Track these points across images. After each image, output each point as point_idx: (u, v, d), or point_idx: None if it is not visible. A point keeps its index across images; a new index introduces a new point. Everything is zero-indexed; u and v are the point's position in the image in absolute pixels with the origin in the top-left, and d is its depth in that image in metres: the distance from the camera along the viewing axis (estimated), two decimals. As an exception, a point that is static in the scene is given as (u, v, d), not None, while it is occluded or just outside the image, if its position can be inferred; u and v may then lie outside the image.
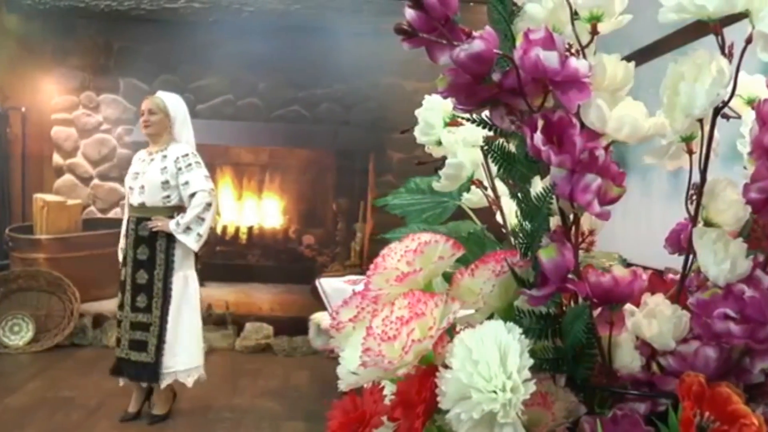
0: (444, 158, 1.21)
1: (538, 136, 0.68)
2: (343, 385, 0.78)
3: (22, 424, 4.09)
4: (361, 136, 6.43)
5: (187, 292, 4.22)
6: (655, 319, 0.76)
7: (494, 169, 1.05)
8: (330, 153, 6.85)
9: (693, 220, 0.79)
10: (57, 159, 6.41)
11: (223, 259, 6.79)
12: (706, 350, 0.74)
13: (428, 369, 0.71)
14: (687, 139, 0.77)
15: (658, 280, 0.89)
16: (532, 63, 0.66)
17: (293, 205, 7.07)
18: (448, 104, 1.03)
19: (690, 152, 0.78)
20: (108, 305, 5.83)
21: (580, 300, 0.79)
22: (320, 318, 5.00)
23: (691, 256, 0.83)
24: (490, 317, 0.84)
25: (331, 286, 4.15)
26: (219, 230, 6.53)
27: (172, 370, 4.17)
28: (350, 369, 0.77)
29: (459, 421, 0.66)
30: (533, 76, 0.68)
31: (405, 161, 6.42)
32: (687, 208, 0.79)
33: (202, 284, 6.38)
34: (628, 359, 0.77)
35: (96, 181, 6.45)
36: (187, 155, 4.11)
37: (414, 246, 0.78)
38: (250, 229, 7.12)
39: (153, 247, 4.10)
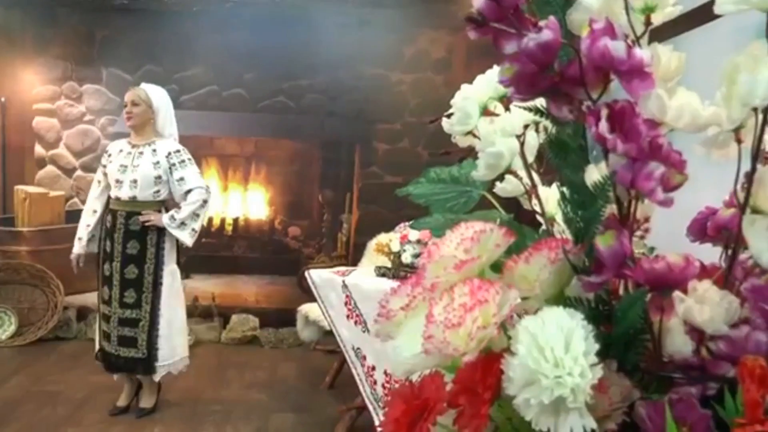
0: (470, 148, 1.21)
1: (604, 125, 0.68)
2: (398, 373, 0.78)
3: (8, 419, 4.04)
4: (347, 127, 6.42)
5: (175, 285, 4.19)
6: (707, 305, 0.78)
7: (529, 157, 1.06)
8: (315, 144, 6.84)
9: (742, 207, 0.80)
10: (39, 150, 6.33)
11: (209, 250, 6.75)
12: (758, 334, 0.76)
13: (491, 356, 0.72)
14: (737, 129, 0.78)
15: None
16: (599, 52, 0.67)
17: (279, 197, 7.05)
18: (484, 93, 1.04)
19: (739, 141, 0.79)
20: (93, 298, 5.74)
21: (631, 286, 0.80)
22: (308, 309, 4.99)
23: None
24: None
25: (321, 276, 4.14)
26: (205, 222, 6.49)
27: (167, 362, 4.15)
28: (406, 356, 0.77)
29: (528, 406, 0.67)
30: (598, 66, 0.69)
31: (390, 152, 6.42)
32: (736, 196, 0.81)
33: (188, 276, 6.37)
34: (680, 344, 0.79)
35: (79, 172, 6.38)
36: (179, 151, 4.07)
37: (470, 234, 0.78)
38: (236, 220, 7.09)
39: (144, 241, 4.05)
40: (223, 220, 7.11)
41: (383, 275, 3.85)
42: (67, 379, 4.71)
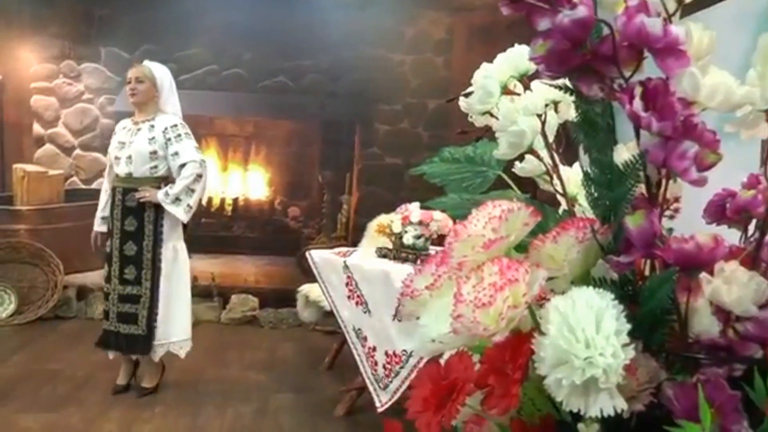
0: (487, 128, 1.20)
1: (638, 103, 0.68)
2: (423, 353, 0.78)
3: (9, 397, 4.03)
4: (347, 108, 6.39)
5: (177, 263, 4.16)
6: (734, 285, 0.77)
7: (550, 137, 1.06)
8: (316, 124, 6.81)
9: (773, 188, 0.80)
10: (37, 128, 6.29)
11: (209, 230, 6.74)
12: (786, 316, 0.76)
13: (520, 336, 0.71)
14: (768, 108, 0.77)
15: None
16: (635, 29, 0.66)
17: (279, 177, 7.04)
18: (505, 72, 1.03)
19: (770, 121, 0.79)
20: (92, 277, 5.75)
21: (658, 266, 0.80)
22: (308, 290, 4.99)
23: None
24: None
25: (322, 257, 4.13)
26: (204, 202, 6.47)
27: (165, 341, 4.13)
28: (432, 336, 0.77)
29: (559, 386, 0.67)
30: (634, 43, 0.68)
31: (391, 133, 6.40)
32: (766, 176, 0.80)
33: (188, 256, 6.36)
34: (707, 324, 0.78)
35: (78, 151, 6.35)
36: (176, 126, 4.03)
37: (498, 213, 0.78)
38: (236, 200, 7.08)
39: (141, 218, 4.02)
40: (222, 200, 7.09)
41: (384, 256, 3.85)
42: (67, 358, 4.70)
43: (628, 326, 0.68)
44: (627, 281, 0.82)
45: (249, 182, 7.10)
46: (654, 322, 0.79)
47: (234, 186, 7.09)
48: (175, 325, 4.17)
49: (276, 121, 6.81)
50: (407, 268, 3.57)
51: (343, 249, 4.37)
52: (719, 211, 1.00)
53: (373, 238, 4.83)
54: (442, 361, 0.80)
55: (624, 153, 0.77)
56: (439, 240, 3.86)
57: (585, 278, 0.82)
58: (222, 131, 6.91)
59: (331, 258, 4.03)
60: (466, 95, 1.16)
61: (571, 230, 0.79)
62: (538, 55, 0.71)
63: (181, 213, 4.01)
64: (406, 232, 3.77)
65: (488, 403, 0.71)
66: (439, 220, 3.79)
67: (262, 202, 7.12)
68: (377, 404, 3.49)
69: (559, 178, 1.00)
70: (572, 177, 1.00)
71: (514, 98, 1.00)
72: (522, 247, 0.86)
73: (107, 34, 6.23)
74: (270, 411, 4.04)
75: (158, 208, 4.03)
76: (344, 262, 3.84)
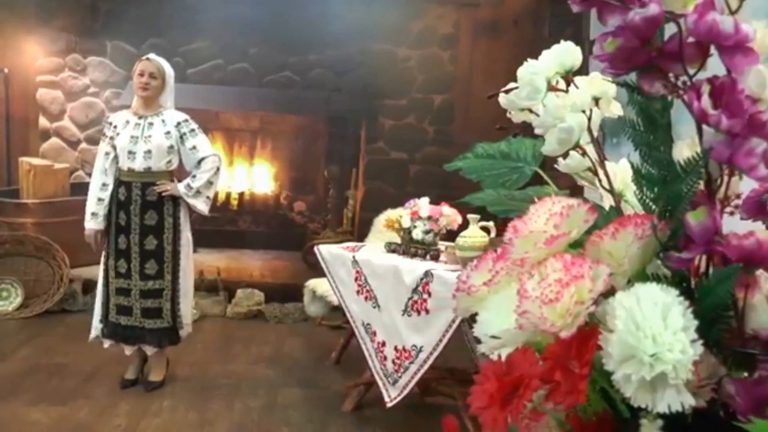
0: (525, 124, 1.21)
1: (707, 101, 0.68)
2: (485, 348, 0.78)
3: (18, 390, 4.04)
4: (353, 103, 6.39)
5: (190, 253, 4.25)
6: (794, 283, 0.78)
7: (594, 132, 1.06)
8: (321, 119, 6.80)
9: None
10: (43, 122, 6.27)
11: (214, 225, 6.73)
12: None
13: (584, 332, 0.72)
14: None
15: None
16: (707, 26, 0.66)
17: (284, 172, 7.03)
18: (550, 68, 1.03)
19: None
20: (98, 271, 5.76)
21: (717, 263, 0.80)
22: (315, 284, 5.00)
23: None
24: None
25: (330, 252, 4.14)
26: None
27: (184, 329, 4.22)
28: (492, 332, 0.77)
29: (628, 382, 0.67)
30: (702, 40, 0.68)
31: (396, 128, 6.40)
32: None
33: (194, 250, 6.37)
34: (766, 321, 0.79)
35: (84, 145, 6.33)
36: (187, 120, 4.10)
37: (558, 209, 0.78)
38: (241, 195, 7.07)
39: (161, 211, 4.06)
40: (228, 195, 7.09)
41: (393, 251, 3.85)
42: (74, 351, 4.71)
43: (696, 322, 0.68)
44: (683, 277, 0.82)
45: (254, 177, 7.10)
46: (712, 318, 0.79)
47: (240, 180, 7.09)
48: (187, 314, 4.27)
49: (282, 115, 6.80)
50: (416, 263, 3.58)
51: (352, 244, 4.37)
52: (757, 207, 1.01)
53: (380, 232, 4.83)
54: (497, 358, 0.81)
55: (685, 150, 0.77)
56: (448, 235, 3.87)
57: (642, 275, 0.82)
58: (228, 125, 6.90)
59: (340, 253, 4.03)
60: (507, 92, 1.16)
61: (630, 226, 0.79)
62: (605, 53, 0.71)
63: (202, 205, 4.14)
64: (415, 227, 3.77)
65: (554, 399, 0.71)
66: (448, 215, 3.80)
67: (268, 196, 7.11)
68: (386, 399, 3.49)
69: (606, 174, 1.00)
70: (619, 173, 1.01)
71: (560, 94, 1.01)
72: (575, 244, 0.86)
73: (113, 27, 6.21)
74: (278, 406, 4.05)
75: (175, 201, 4.09)
76: (353, 257, 3.84)
